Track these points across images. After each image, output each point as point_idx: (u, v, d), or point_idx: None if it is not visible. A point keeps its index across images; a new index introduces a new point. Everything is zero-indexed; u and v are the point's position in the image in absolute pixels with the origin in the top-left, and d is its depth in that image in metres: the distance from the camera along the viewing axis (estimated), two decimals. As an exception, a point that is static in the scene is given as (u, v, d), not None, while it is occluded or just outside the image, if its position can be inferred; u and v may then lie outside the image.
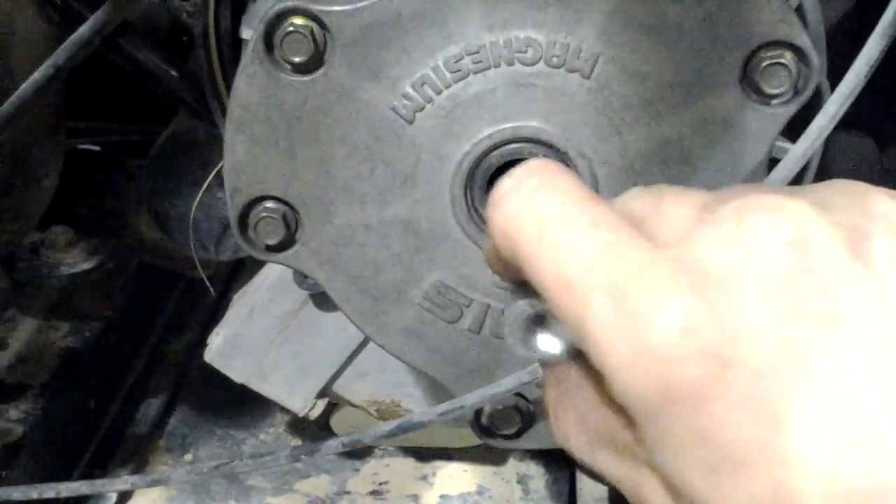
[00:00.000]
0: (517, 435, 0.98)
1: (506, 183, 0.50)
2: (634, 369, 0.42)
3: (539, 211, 0.47)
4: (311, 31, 0.85)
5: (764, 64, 0.83)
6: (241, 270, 1.67)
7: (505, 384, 0.91)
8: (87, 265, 1.51)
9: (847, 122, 0.84)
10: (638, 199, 0.50)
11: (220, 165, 1.24)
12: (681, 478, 0.41)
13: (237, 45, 1.12)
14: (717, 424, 0.40)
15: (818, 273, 0.41)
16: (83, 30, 1.08)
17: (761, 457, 0.39)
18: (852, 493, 0.37)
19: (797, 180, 0.89)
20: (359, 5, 0.85)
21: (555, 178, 0.49)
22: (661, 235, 0.46)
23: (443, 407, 0.94)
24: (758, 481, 0.39)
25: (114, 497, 1.47)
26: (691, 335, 0.41)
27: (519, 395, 0.96)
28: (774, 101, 0.84)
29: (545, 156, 0.87)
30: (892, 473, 0.37)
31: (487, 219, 0.51)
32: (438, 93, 0.86)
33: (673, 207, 0.47)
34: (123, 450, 1.58)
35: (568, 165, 0.87)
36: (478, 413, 0.97)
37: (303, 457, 1.04)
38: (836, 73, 0.85)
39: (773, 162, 0.86)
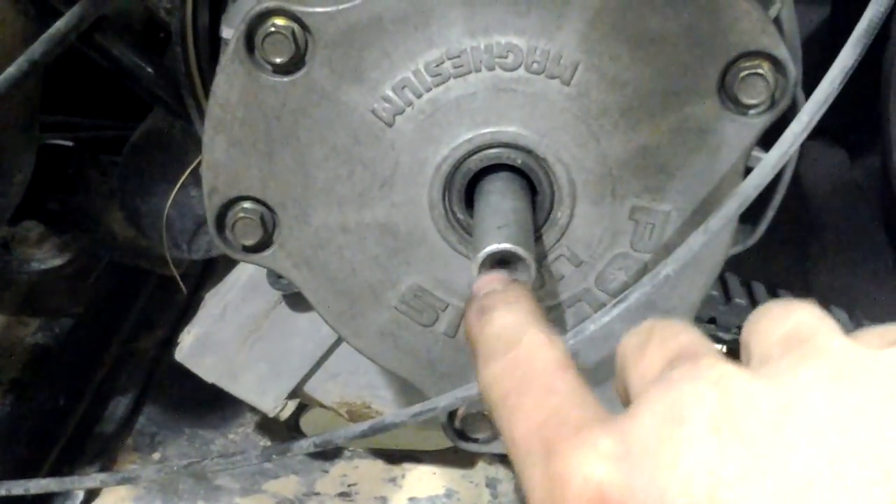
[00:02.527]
0: (490, 439, 0.98)
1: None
2: None
3: (507, 377, 0.54)
4: (293, 32, 0.85)
5: (742, 74, 0.84)
6: (212, 269, 1.67)
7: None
8: (57, 261, 1.50)
9: (820, 133, 0.85)
10: (631, 339, 0.52)
11: (194, 163, 1.24)
12: None
13: (214, 42, 1.12)
14: None
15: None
16: (59, 25, 1.07)
17: None
18: None
19: (770, 188, 0.91)
20: (341, 7, 0.85)
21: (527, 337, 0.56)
22: (632, 387, 0.50)
23: (416, 408, 0.94)
24: None
25: (81, 495, 1.46)
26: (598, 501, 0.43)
27: (492, 398, 0.96)
28: (751, 112, 0.85)
29: (523, 161, 0.87)
30: None
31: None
32: (419, 96, 0.87)
33: (649, 358, 0.50)
34: (91, 448, 1.57)
35: (546, 170, 0.87)
36: (451, 416, 0.97)
37: (272, 457, 1.04)
38: (809, 83, 0.86)
39: (747, 170, 0.87)
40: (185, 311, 1.65)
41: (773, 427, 0.42)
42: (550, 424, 0.48)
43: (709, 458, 0.42)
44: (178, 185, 1.27)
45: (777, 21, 0.90)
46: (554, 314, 0.93)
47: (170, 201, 1.27)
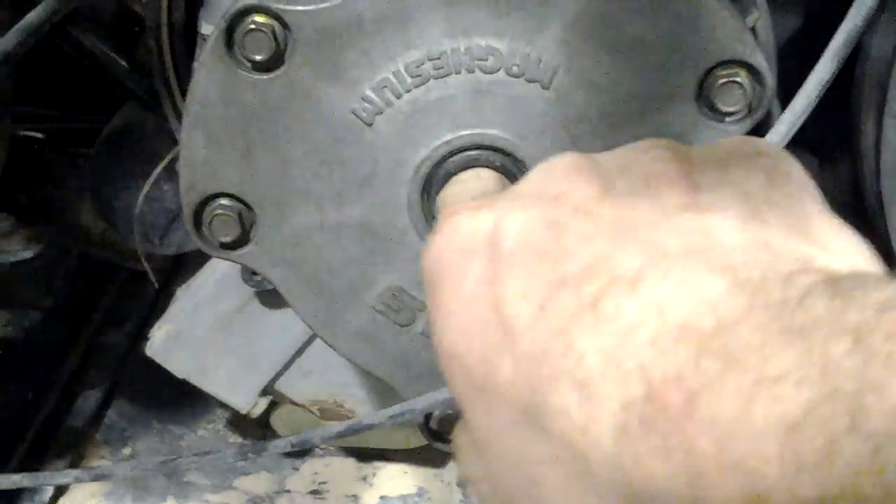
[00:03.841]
0: (465, 440, 0.98)
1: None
2: None
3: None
4: (273, 30, 0.85)
5: (719, 82, 0.84)
6: (183, 264, 1.65)
7: (454, 388, 0.92)
8: (26, 254, 1.49)
9: (792, 141, 0.85)
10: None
11: (167, 158, 1.23)
12: None
13: (189, 36, 1.11)
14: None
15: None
16: (32, 16, 1.06)
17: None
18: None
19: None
20: (321, 6, 0.84)
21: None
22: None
23: (393, 410, 0.95)
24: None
25: (50, 491, 1.45)
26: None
27: (468, 399, 0.97)
28: (728, 119, 0.86)
29: (502, 164, 0.87)
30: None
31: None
32: (398, 97, 0.87)
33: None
34: (60, 442, 1.56)
35: (525, 173, 0.87)
36: (427, 417, 0.98)
37: (248, 455, 1.03)
38: (782, 93, 0.87)
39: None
40: (156, 306, 1.64)
41: None
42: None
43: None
44: (150, 180, 1.26)
45: (754, 30, 0.91)
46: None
47: (142, 196, 1.26)
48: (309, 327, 0.96)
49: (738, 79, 0.84)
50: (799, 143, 1.11)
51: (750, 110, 0.85)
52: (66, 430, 1.58)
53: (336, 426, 0.96)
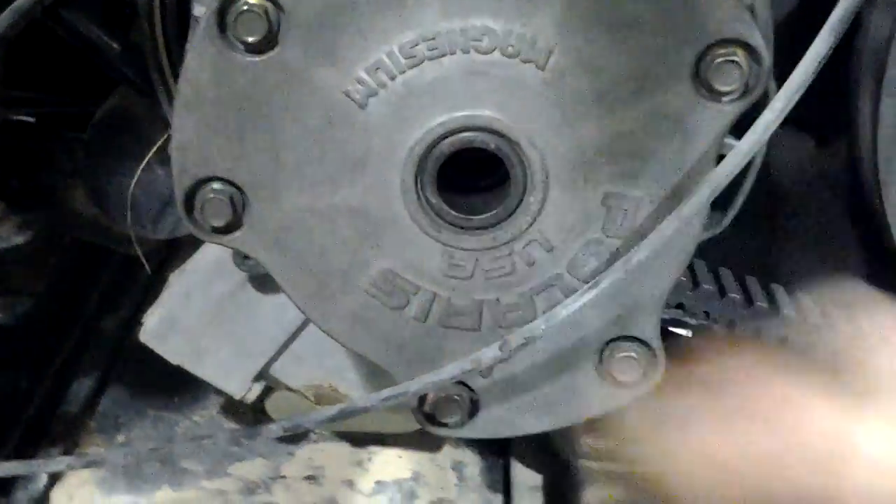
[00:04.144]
0: (460, 424, 0.98)
1: None
2: None
3: None
4: (266, 11, 0.84)
5: (716, 61, 0.84)
6: (176, 249, 1.65)
7: (448, 371, 0.91)
8: (18, 239, 1.48)
9: (788, 120, 0.85)
10: None
11: (160, 142, 1.22)
12: None
13: (182, 19, 1.10)
14: None
15: None
16: (23, -1, 1.05)
17: None
18: None
19: (740, 175, 0.91)
20: (315, -13, 0.84)
21: None
22: None
23: (385, 392, 0.94)
24: None
25: (44, 478, 1.44)
26: None
27: (462, 384, 0.96)
28: (725, 99, 0.85)
29: (497, 146, 0.87)
30: None
31: None
32: (392, 78, 0.86)
33: None
34: (54, 429, 1.55)
35: (519, 155, 0.87)
36: (421, 400, 0.97)
37: (241, 440, 1.03)
38: (779, 72, 0.86)
39: (719, 157, 0.87)
40: (149, 291, 1.63)
41: None
42: None
43: None
44: (143, 164, 1.25)
45: (751, 9, 0.90)
46: (525, 299, 0.93)
47: (135, 180, 1.25)
48: (301, 311, 0.95)
49: (735, 58, 0.84)
50: (796, 123, 1.11)
51: (747, 89, 0.85)
52: (60, 417, 1.58)
53: (329, 410, 0.95)
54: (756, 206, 1.01)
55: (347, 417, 0.96)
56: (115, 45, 1.21)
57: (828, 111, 1.13)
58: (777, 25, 1.01)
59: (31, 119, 1.46)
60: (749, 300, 1.16)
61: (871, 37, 1.04)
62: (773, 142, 0.94)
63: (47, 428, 1.55)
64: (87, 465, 1.11)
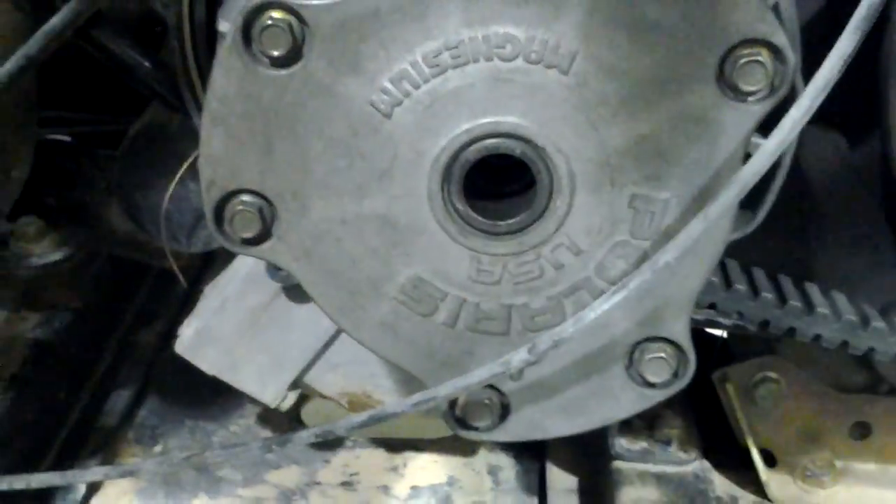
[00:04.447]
0: (491, 427, 0.98)
1: None
2: None
3: None
4: (290, 25, 0.85)
5: (740, 61, 0.84)
6: (212, 262, 1.66)
7: (478, 375, 0.92)
8: (56, 256, 1.50)
9: (818, 117, 0.85)
10: None
11: (192, 157, 1.24)
12: None
13: (212, 36, 1.12)
14: None
15: None
16: (56, 20, 1.07)
17: None
18: None
19: (769, 174, 0.91)
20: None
21: None
22: None
23: (416, 397, 0.95)
24: None
25: (83, 489, 1.46)
26: None
27: (492, 387, 0.97)
28: (750, 99, 0.85)
29: (522, 151, 0.87)
30: None
31: None
32: (417, 88, 0.87)
33: None
34: (92, 441, 1.57)
35: (545, 160, 0.88)
36: (452, 405, 0.98)
37: (273, 448, 1.04)
38: (806, 69, 0.86)
39: (746, 156, 0.87)
40: (185, 304, 1.65)
41: None
42: None
43: None
44: (176, 179, 1.26)
45: (776, 8, 0.90)
46: (553, 303, 0.93)
47: (168, 195, 1.27)
48: (332, 320, 0.96)
49: (759, 58, 0.83)
50: (826, 121, 1.11)
51: (772, 89, 0.84)
52: (99, 428, 1.60)
53: (360, 416, 0.96)
54: (788, 205, 1.01)
55: (379, 423, 0.96)
56: (146, 63, 1.23)
57: (858, 107, 1.12)
58: (804, 22, 1.01)
59: (66, 138, 1.48)
60: (783, 300, 1.16)
61: (898, 31, 1.04)
62: (803, 140, 0.94)
63: (86, 439, 1.57)
64: (125, 475, 1.12)
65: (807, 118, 0.83)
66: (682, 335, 0.94)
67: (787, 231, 1.18)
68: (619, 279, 0.90)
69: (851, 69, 0.83)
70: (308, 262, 0.93)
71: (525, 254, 0.91)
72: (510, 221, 0.90)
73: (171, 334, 1.51)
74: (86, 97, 1.43)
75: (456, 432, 0.99)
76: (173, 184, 1.27)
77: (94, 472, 1.13)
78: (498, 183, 0.95)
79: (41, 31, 1.05)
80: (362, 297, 0.94)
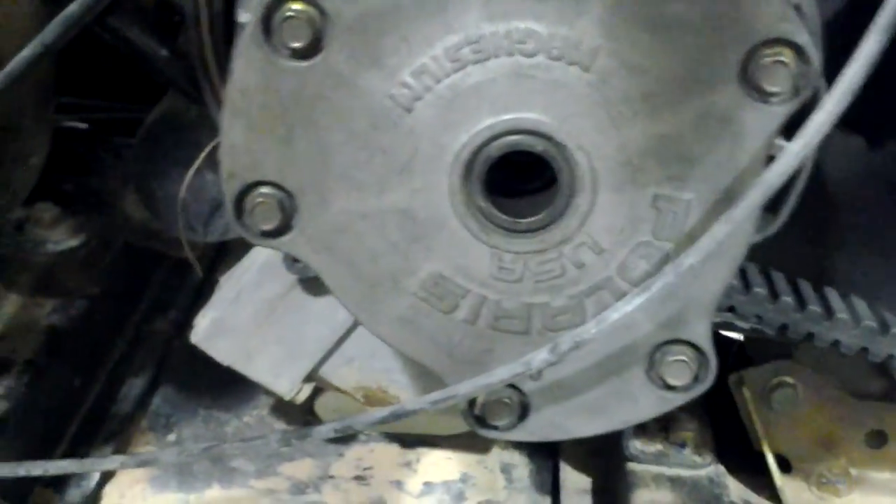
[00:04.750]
0: (510, 426, 0.98)
1: None
2: None
3: None
4: (311, 17, 0.84)
5: (763, 61, 0.83)
6: (227, 251, 1.66)
7: (498, 374, 0.91)
8: (72, 242, 1.50)
9: (837, 120, 0.84)
10: None
11: (210, 147, 1.24)
12: None
13: (229, 25, 1.11)
14: None
15: None
16: (74, 7, 1.06)
17: None
18: None
19: (791, 177, 0.90)
20: (360, -9, 0.84)
21: None
22: None
23: (435, 395, 0.94)
24: None
25: (96, 476, 1.46)
26: None
27: (512, 386, 0.96)
28: (773, 100, 0.84)
29: (544, 148, 0.87)
30: None
31: None
32: (437, 82, 0.86)
33: None
34: (106, 428, 1.57)
35: (566, 158, 0.87)
36: (471, 403, 0.97)
37: (292, 441, 1.04)
38: (828, 72, 0.85)
39: (769, 158, 0.86)
40: (200, 294, 1.65)
41: None
42: None
43: None
44: (193, 169, 1.26)
45: (798, 8, 0.89)
46: (574, 302, 0.92)
47: (185, 184, 1.27)
48: (351, 314, 0.95)
49: (782, 58, 0.82)
50: (846, 123, 1.09)
51: (796, 90, 0.83)
52: (113, 416, 1.60)
53: (379, 412, 0.95)
54: (808, 208, 1.00)
55: (398, 419, 0.96)
56: (163, 52, 1.22)
57: (879, 110, 1.11)
58: (826, 23, 0.99)
59: (83, 125, 1.48)
60: (801, 304, 1.15)
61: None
62: (824, 142, 0.93)
63: (100, 426, 1.58)
64: (139, 465, 1.12)
65: (832, 121, 0.81)
66: (704, 338, 0.93)
67: (807, 235, 1.17)
68: (641, 280, 0.89)
69: (872, 71, 0.82)
70: (328, 255, 0.93)
71: (547, 252, 0.91)
72: (532, 219, 0.90)
73: (185, 323, 1.51)
74: (103, 85, 1.43)
75: (475, 431, 0.98)
76: (190, 173, 1.27)
77: (112, 460, 1.13)
78: (519, 180, 0.94)
79: (59, 17, 1.05)
80: (382, 292, 0.93)
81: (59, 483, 1.45)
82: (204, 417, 1.60)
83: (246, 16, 0.88)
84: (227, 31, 1.12)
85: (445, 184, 0.89)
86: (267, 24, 0.85)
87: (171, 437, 1.57)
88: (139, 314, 1.76)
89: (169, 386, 1.66)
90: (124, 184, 1.41)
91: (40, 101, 1.18)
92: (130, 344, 1.71)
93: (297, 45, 0.85)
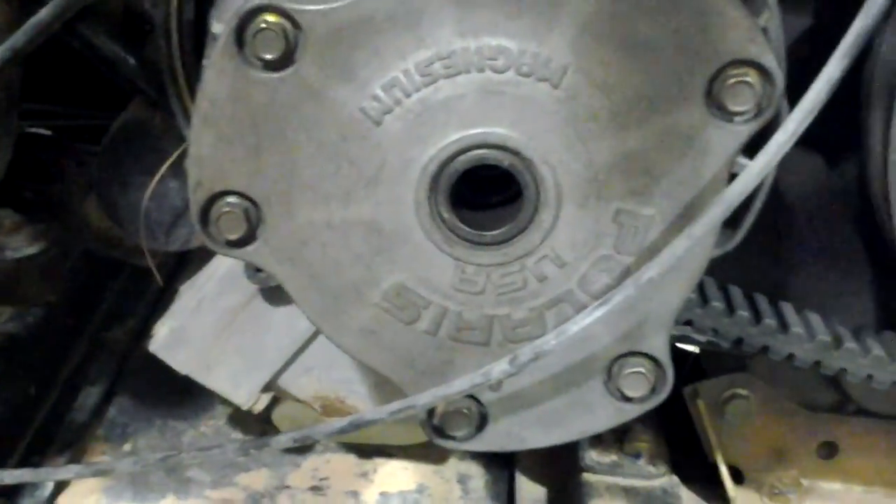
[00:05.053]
0: (468, 437, 0.99)
1: None
2: None
3: None
4: (284, 29, 0.85)
5: (729, 82, 0.85)
6: (187, 261, 1.66)
7: (458, 385, 0.92)
8: (31, 250, 1.48)
9: (798, 140, 0.86)
10: None
11: (174, 155, 1.23)
12: None
13: (198, 35, 1.12)
14: None
15: None
16: (44, 13, 1.06)
17: None
18: None
19: (751, 194, 0.92)
20: (333, 5, 0.85)
21: None
22: None
23: (395, 405, 0.95)
24: None
25: (50, 486, 1.44)
26: None
27: (471, 397, 0.97)
28: (737, 119, 0.86)
29: (511, 163, 0.88)
30: None
31: None
32: (408, 96, 0.87)
33: None
34: (61, 438, 1.56)
35: (532, 173, 0.88)
36: (430, 413, 0.98)
37: (250, 451, 1.04)
38: (791, 92, 0.87)
39: (731, 176, 0.88)
40: (159, 303, 1.64)
41: None
42: None
43: None
44: (157, 177, 1.26)
45: (765, 30, 0.91)
46: (535, 315, 0.94)
47: (148, 193, 1.26)
48: (313, 324, 0.96)
49: (747, 79, 0.85)
50: (806, 141, 1.12)
51: (759, 110, 0.86)
52: (68, 425, 1.58)
53: (338, 422, 0.96)
54: (766, 224, 1.02)
55: (357, 429, 0.97)
56: (130, 60, 1.22)
57: (838, 130, 1.14)
58: (790, 45, 1.02)
59: (46, 132, 1.47)
60: (757, 318, 1.17)
61: (883, 57, 1.05)
62: (784, 160, 0.95)
63: (55, 435, 1.56)
64: (94, 474, 1.12)
65: (792, 141, 0.84)
66: (662, 351, 0.95)
67: (764, 250, 1.20)
68: (602, 293, 0.90)
69: (833, 93, 0.84)
70: (292, 266, 0.93)
71: (509, 265, 0.92)
72: (496, 232, 0.91)
73: (143, 332, 1.51)
74: (68, 92, 1.42)
75: (434, 441, 1.00)
76: (154, 181, 1.26)
77: (67, 469, 1.12)
78: (485, 193, 0.95)
79: (29, 23, 1.05)
80: (345, 303, 0.94)
81: (12, 493, 1.43)
82: (160, 427, 1.59)
83: (219, 26, 0.89)
84: (195, 40, 1.12)
85: (412, 196, 0.90)
86: (240, 35, 0.85)
87: (127, 446, 1.56)
88: (97, 323, 1.74)
89: (125, 395, 1.64)
90: (87, 191, 1.40)
91: (5, 106, 1.17)
92: (87, 353, 1.70)
93: (269, 56, 0.86)
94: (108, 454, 1.54)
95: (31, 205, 1.43)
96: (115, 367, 1.69)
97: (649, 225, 0.90)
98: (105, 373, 1.67)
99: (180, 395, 1.59)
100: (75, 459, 1.52)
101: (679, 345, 1.31)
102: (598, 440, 1.40)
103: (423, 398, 0.94)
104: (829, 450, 1.38)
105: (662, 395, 0.96)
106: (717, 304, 1.15)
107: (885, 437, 1.36)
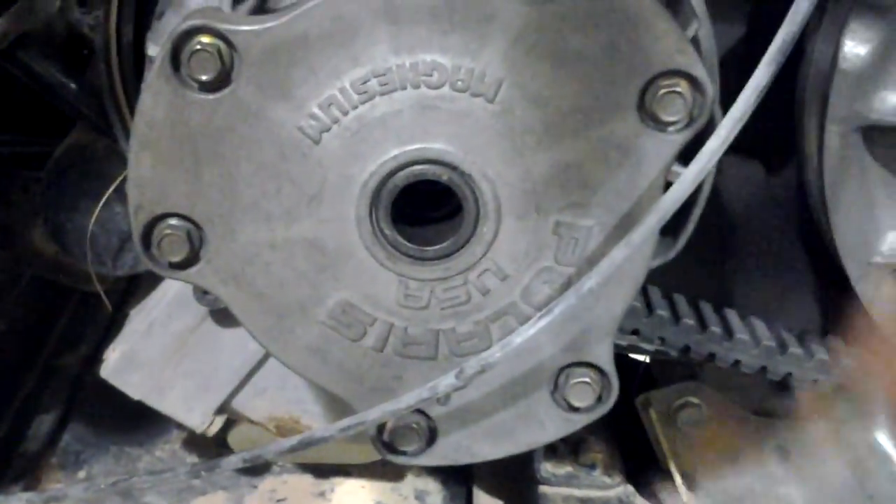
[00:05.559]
0: (418, 452, 0.99)
1: None
2: None
3: None
4: (219, 50, 0.85)
5: (660, 92, 0.86)
6: (137, 285, 1.65)
7: (405, 400, 0.93)
8: (-22, 278, 1.47)
9: (736, 147, 0.87)
10: None
11: (118, 179, 1.23)
12: None
13: (138, 58, 1.12)
14: None
15: None
16: (-20, 41, 1.06)
17: None
18: None
19: (690, 202, 0.93)
20: (267, 25, 0.85)
21: None
22: None
23: (344, 422, 0.95)
24: None
25: (5, 515, 1.43)
26: None
27: (420, 412, 0.97)
28: (670, 129, 0.87)
29: (449, 178, 0.89)
30: None
31: None
32: (345, 114, 0.87)
33: None
34: (15, 466, 1.54)
35: (471, 187, 0.89)
36: (380, 429, 0.98)
37: (201, 473, 1.03)
38: (726, 100, 0.89)
39: (667, 185, 0.89)
40: (110, 328, 1.63)
41: None
42: None
43: None
44: (101, 202, 1.25)
45: (695, 40, 0.92)
46: (480, 328, 0.94)
47: (94, 217, 1.26)
48: (260, 344, 0.96)
49: (678, 89, 0.86)
50: (745, 150, 1.13)
51: (691, 119, 0.87)
52: (21, 454, 1.57)
53: (289, 440, 0.96)
54: (708, 232, 1.04)
55: (308, 447, 0.97)
56: (72, 85, 1.22)
57: (775, 136, 1.16)
58: (725, 55, 1.03)
59: (-11, 158, 1.46)
60: (703, 325, 1.19)
61: (815, 65, 1.07)
62: (723, 168, 0.96)
63: (8, 464, 1.54)
64: (49, 501, 1.10)
65: (724, 148, 0.85)
66: (606, 360, 0.95)
67: (707, 257, 1.21)
68: (544, 304, 0.91)
69: (769, 100, 0.86)
70: (236, 286, 0.93)
71: (452, 279, 0.92)
72: (437, 247, 0.92)
73: (95, 358, 1.49)
74: (10, 118, 1.42)
75: (385, 457, 1.00)
76: (98, 206, 1.26)
77: (18, 497, 1.11)
78: (426, 209, 0.96)
79: (-34, 52, 1.05)
80: (291, 321, 0.94)
81: (-35, 523, 1.42)
82: (115, 453, 1.58)
83: (155, 49, 0.89)
84: (136, 63, 1.12)
85: (353, 213, 0.90)
86: (175, 57, 0.86)
87: (82, 473, 1.54)
88: (48, 350, 1.72)
89: (79, 422, 1.62)
90: (33, 217, 1.39)
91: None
92: (39, 380, 1.68)
93: (205, 77, 0.86)
94: (63, 482, 1.52)
95: (-24, 232, 1.42)
96: (67, 394, 1.67)
97: (588, 235, 0.91)
98: (58, 400, 1.65)
99: (135, 420, 1.57)
100: (30, 488, 1.50)
101: (629, 354, 1.32)
102: (552, 452, 1.41)
103: (372, 414, 0.94)
104: (780, 454, 1.39)
105: (609, 404, 0.97)
106: (663, 312, 1.17)
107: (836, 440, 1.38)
